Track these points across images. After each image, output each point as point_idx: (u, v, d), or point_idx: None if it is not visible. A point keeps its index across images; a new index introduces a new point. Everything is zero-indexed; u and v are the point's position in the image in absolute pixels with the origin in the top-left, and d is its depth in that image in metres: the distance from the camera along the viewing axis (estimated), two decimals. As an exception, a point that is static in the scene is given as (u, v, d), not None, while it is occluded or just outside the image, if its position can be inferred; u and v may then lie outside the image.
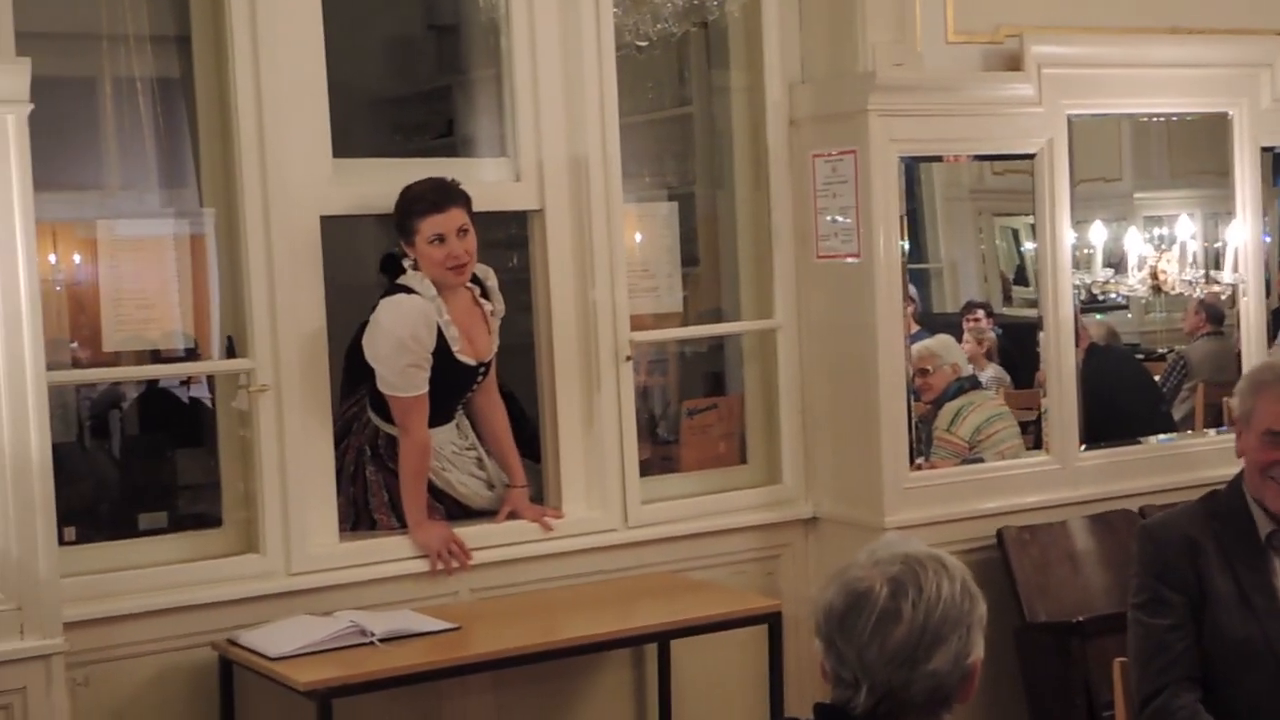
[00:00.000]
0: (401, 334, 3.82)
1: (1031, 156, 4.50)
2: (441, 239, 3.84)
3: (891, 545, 2.01)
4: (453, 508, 4.12)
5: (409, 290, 3.87)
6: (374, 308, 3.92)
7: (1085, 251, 4.66)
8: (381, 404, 3.96)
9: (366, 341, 3.87)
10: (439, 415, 3.97)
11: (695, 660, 4.26)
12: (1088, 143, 4.63)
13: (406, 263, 3.93)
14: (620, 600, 4.06)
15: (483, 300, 4.04)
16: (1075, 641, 4.09)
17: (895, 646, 1.92)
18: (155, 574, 3.72)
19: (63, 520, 3.50)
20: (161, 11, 4.22)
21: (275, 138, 3.80)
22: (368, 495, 4.04)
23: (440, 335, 3.88)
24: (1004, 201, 4.90)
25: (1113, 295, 4.72)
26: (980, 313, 4.85)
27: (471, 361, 3.97)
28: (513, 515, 4.12)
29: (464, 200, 3.88)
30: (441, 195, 3.85)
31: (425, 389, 3.87)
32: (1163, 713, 2.93)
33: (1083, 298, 4.65)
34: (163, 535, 3.93)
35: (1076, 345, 4.58)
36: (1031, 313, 4.66)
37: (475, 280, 4.02)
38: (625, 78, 4.27)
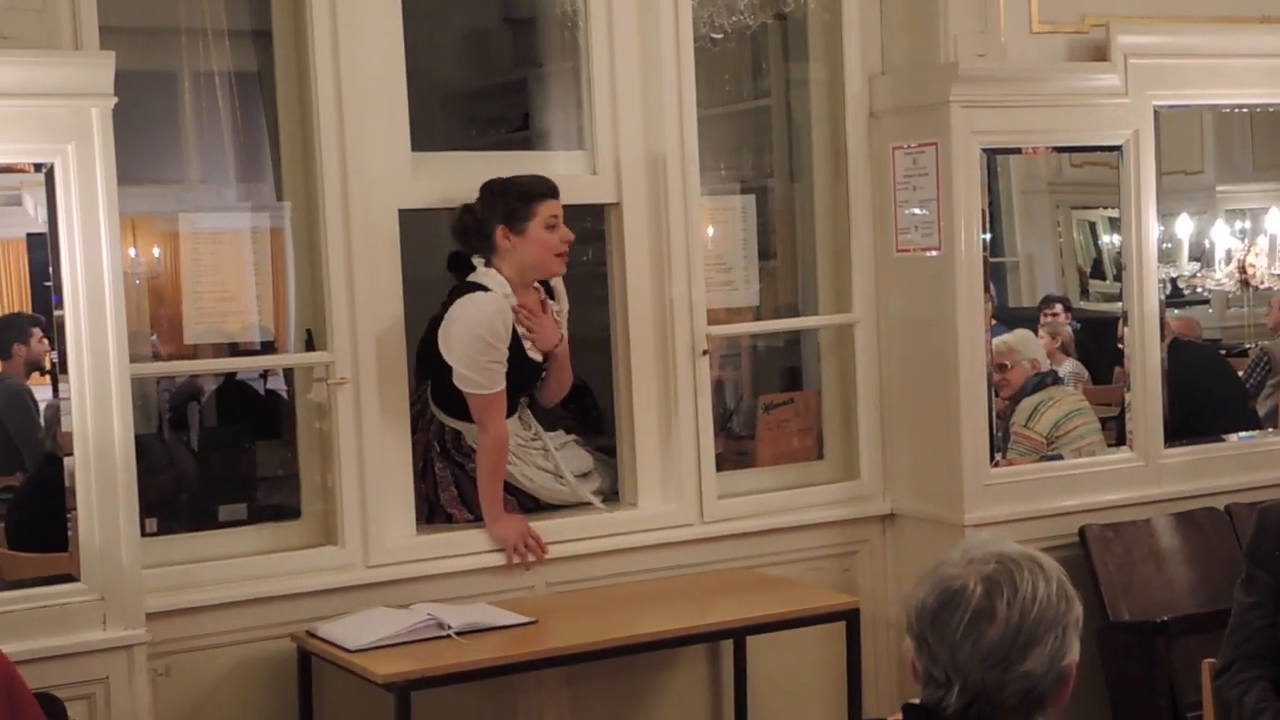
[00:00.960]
0: (481, 331, 3.83)
1: (1117, 149, 4.42)
2: (557, 223, 3.86)
3: (985, 544, 1.98)
4: (525, 500, 4.12)
5: (483, 288, 3.87)
6: (444, 304, 3.91)
7: (1165, 245, 4.59)
8: (447, 399, 3.97)
9: (443, 339, 3.87)
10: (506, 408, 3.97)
11: (771, 657, 4.24)
12: (1168, 134, 4.54)
13: (477, 260, 3.93)
14: (696, 595, 4.04)
15: (549, 301, 4.04)
16: (1160, 641, 4.02)
17: (988, 646, 1.88)
18: (235, 565, 3.74)
19: (144, 512, 3.52)
20: (238, 6, 4.25)
21: (355, 131, 3.81)
22: (438, 490, 4.05)
23: (515, 333, 3.88)
24: (1082, 194, 4.83)
25: (1199, 289, 4.64)
26: (1058, 307, 4.78)
27: (539, 358, 4.00)
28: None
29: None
30: (553, 185, 3.91)
31: (504, 385, 3.87)
32: (1227, 685, 3.00)
33: (1166, 292, 4.57)
34: (242, 527, 3.94)
35: (1161, 340, 4.50)
36: (1109, 307, 4.58)
37: (541, 282, 4.03)
38: (702, 70, 4.24)
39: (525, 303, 3.95)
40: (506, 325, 3.86)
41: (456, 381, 3.87)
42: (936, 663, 1.92)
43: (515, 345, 3.90)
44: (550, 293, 4.07)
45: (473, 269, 3.94)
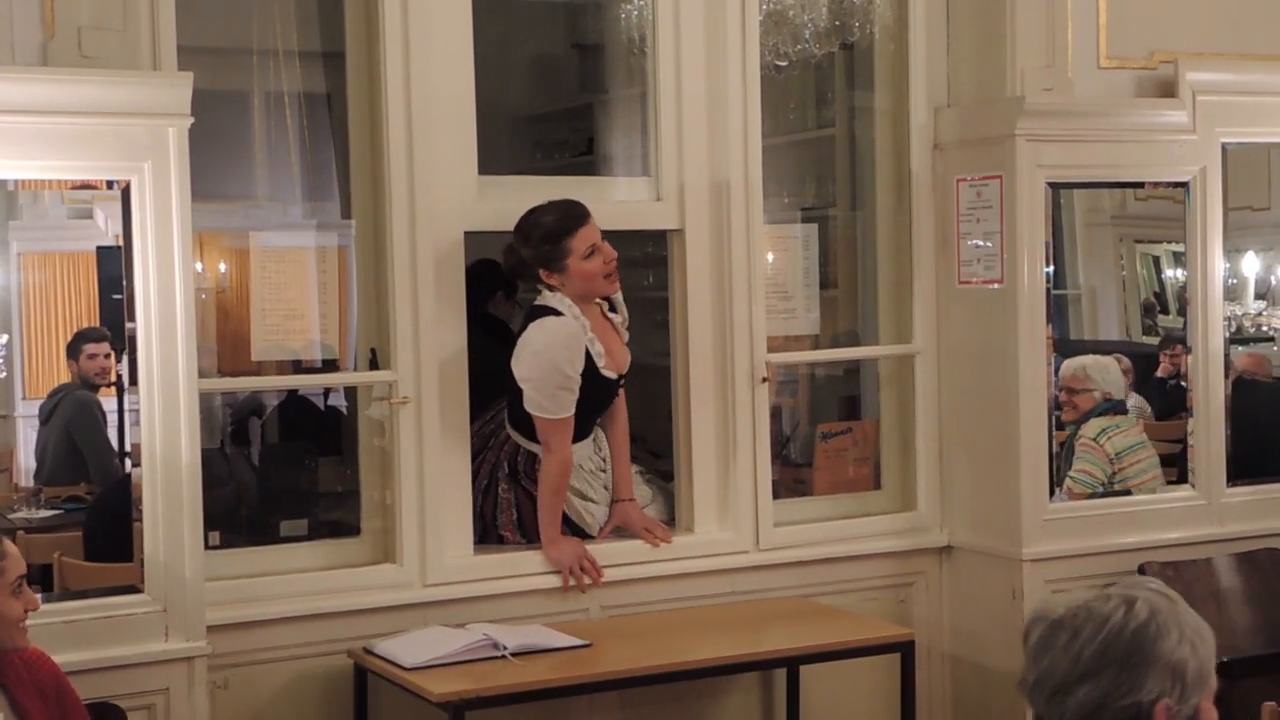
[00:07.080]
0: (555, 358, 3.84)
1: (1184, 185, 4.40)
2: (595, 249, 3.87)
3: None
4: (575, 527, 4.12)
5: (554, 312, 3.89)
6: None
7: (1231, 282, 4.55)
8: (521, 420, 3.98)
9: (516, 362, 3.89)
10: (579, 431, 3.98)
11: (825, 687, 4.22)
12: (1234, 169, 4.51)
13: (542, 285, 3.94)
14: (750, 623, 4.04)
15: (611, 314, 4.06)
16: (1220, 683, 3.96)
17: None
18: (294, 581, 3.77)
19: (206, 525, 3.55)
20: (310, 28, 4.30)
21: (423, 153, 3.84)
22: (497, 511, 4.06)
23: (588, 354, 3.90)
24: (1146, 228, 4.79)
25: (1264, 328, 4.59)
26: (1179, 348, 4.62)
27: (613, 375, 4.00)
28: (619, 529, 4.10)
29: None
30: (581, 210, 3.89)
31: (572, 410, 3.89)
32: None
33: (1231, 329, 4.53)
34: (302, 542, 3.98)
35: (1226, 377, 4.46)
36: (1173, 342, 4.54)
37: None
38: (766, 99, 4.25)
39: (592, 322, 3.95)
40: (580, 352, 3.87)
41: (526, 404, 3.88)
42: None
43: (590, 366, 3.91)
44: (612, 305, 4.08)
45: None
